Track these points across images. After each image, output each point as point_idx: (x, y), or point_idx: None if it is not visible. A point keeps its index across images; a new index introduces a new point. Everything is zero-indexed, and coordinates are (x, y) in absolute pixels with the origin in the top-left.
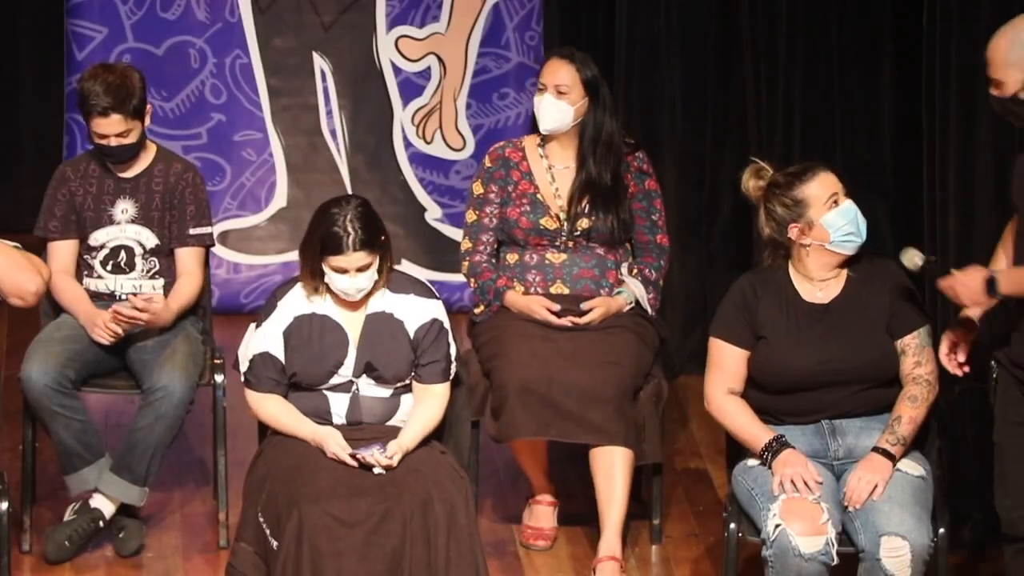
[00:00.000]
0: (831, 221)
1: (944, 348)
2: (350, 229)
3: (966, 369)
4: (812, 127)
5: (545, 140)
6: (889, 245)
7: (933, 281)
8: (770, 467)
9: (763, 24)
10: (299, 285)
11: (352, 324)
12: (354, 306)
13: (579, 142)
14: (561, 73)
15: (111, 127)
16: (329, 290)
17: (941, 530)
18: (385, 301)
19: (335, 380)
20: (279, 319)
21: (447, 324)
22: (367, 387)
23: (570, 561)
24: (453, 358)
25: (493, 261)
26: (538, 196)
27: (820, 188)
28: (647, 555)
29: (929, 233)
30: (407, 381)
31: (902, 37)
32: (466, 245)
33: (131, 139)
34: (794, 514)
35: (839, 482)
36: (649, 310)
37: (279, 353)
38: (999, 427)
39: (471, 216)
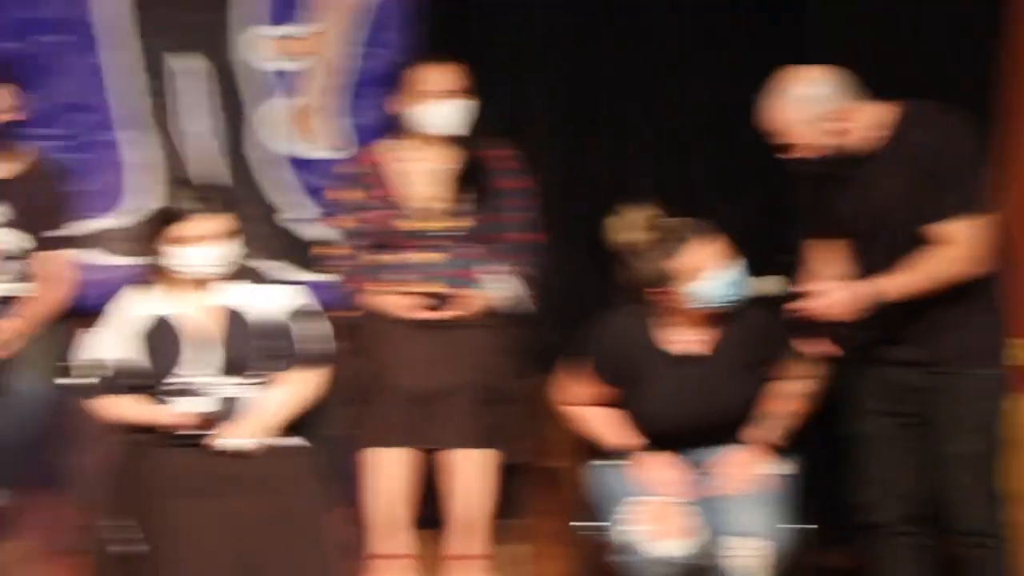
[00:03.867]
0: (699, 290)
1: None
2: (208, 196)
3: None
4: (684, 127)
5: (413, 142)
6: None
7: (797, 306)
8: (632, 472)
9: (635, 22)
10: (151, 286)
11: (212, 321)
12: (213, 301)
13: (454, 141)
14: (450, 75)
15: None
16: (182, 287)
17: (796, 526)
18: (246, 293)
19: (198, 382)
20: (133, 321)
21: (315, 307)
22: (233, 387)
23: (434, 561)
24: (325, 342)
25: (361, 265)
26: (408, 199)
27: (690, 261)
28: (511, 554)
29: (791, 233)
30: (275, 374)
31: (771, 36)
32: (334, 250)
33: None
34: (654, 519)
35: (699, 482)
36: (522, 309)
37: (135, 357)
38: (857, 419)
39: (339, 221)
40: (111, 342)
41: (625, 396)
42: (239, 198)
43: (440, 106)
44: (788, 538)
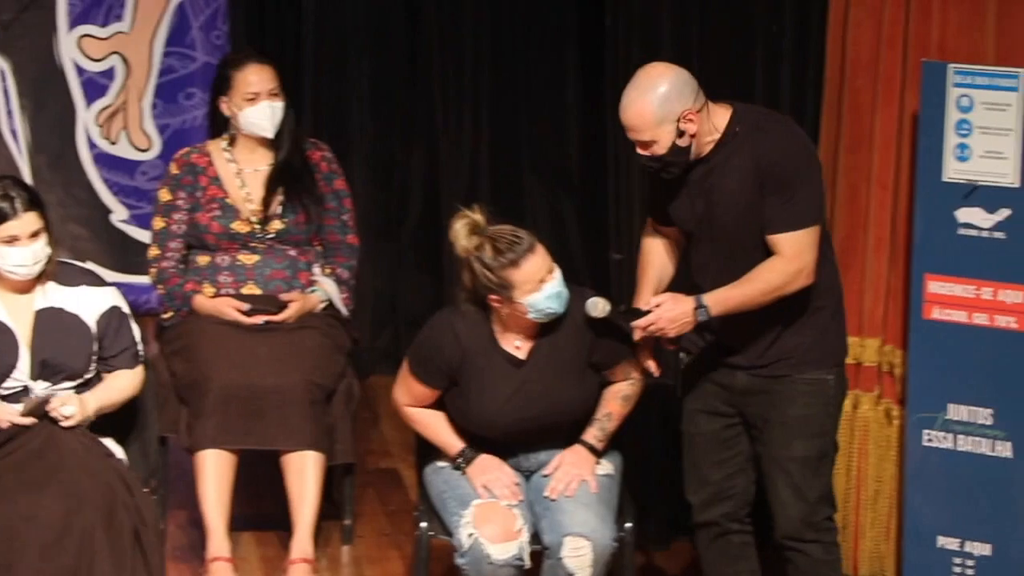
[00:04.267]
0: (533, 302)
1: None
2: (12, 194)
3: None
4: (500, 127)
5: (232, 144)
6: (576, 244)
7: (625, 324)
8: (464, 473)
9: (450, 24)
10: None
11: (21, 323)
12: (21, 304)
13: (271, 143)
14: (270, 76)
15: None
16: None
17: (628, 525)
18: (55, 295)
19: (7, 386)
20: None
21: (126, 309)
22: (45, 390)
23: (261, 563)
24: (139, 342)
25: (181, 267)
26: (228, 200)
27: (528, 274)
28: (338, 556)
29: (614, 230)
30: (89, 376)
31: (586, 36)
32: (154, 252)
33: None
34: (487, 521)
35: (529, 483)
36: (343, 310)
37: None
38: (687, 417)
39: (159, 223)
40: None
41: (459, 397)
42: (63, 200)
43: (257, 107)
44: (618, 538)
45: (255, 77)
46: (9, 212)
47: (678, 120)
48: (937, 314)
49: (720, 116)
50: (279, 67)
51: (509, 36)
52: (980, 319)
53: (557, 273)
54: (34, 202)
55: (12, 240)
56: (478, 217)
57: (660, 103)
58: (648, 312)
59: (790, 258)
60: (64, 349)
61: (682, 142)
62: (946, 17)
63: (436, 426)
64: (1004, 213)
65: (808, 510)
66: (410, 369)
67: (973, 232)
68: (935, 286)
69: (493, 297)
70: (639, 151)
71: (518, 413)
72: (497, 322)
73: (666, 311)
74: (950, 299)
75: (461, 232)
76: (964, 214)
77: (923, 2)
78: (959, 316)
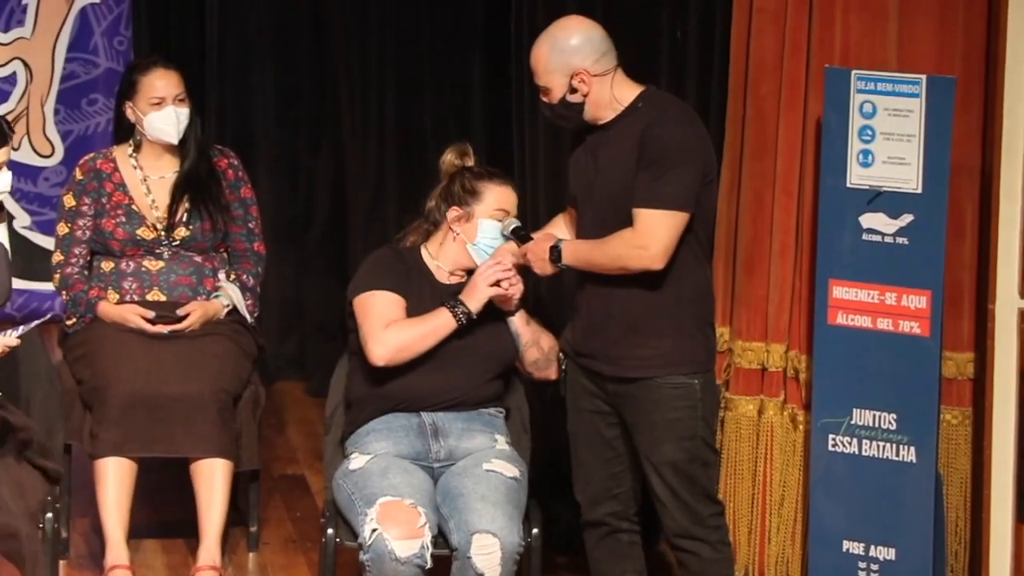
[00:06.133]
0: (486, 227)
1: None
2: None
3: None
4: (406, 131)
5: (138, 150)
6: None
7: (518, 243)
8: (474, 309)
9: (354, 28)
10: None
11: None
12: None
13: (177, 149)
14: (176, 82)
15: None
16: None
17: (535, 530)
18: None
19: None
20: None
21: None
22: None
23: (166, 570)
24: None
25: (85, 273)
26: (133, 207)
27: (499, 196)
28: (244, 562)
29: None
30: None
31: (492, 40)
32: (58, 257)
33: None
34: (391, 518)
35: (436, 485)
36: (248, 317)
37: None
38: (571, 417)
39: (63, 228)
40: None
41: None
42: None
43: (162, 112)
44: (525, 542)
45: (161, 82)
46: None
47: (571, 76)
48: (842, 319)
49: (627, 91)
50: (183, 73)
51: (414, 40)
52: (884, 324)
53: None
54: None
55: None
56: (468, 149)
57: (557, 53)
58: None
59: (639, 232)
60: None
61: (573, 98)
62: (849, 24)
63: (415, 323)
64: (907, 219)
65: (687, 512)
66: (368, 289)
67: (877, 238)
68: (839, 291)
69: (456, 210)
70: (541, 97)
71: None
72: (433, 254)
73: (535, 244)
74: (854, 304)
75: (451, 153)
76: (868, 220)
77: (826, 9)
78: (863, 321)
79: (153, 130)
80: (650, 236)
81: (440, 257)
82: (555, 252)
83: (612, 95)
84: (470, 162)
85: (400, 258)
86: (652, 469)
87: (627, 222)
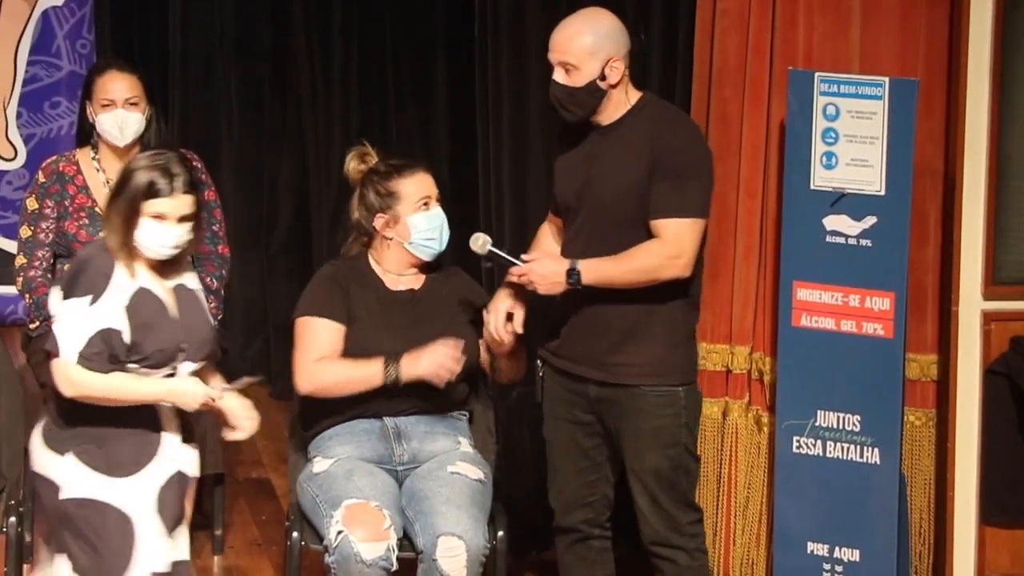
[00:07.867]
0: (416, 223)
1: (498, 321)
2: (176, 171)
3: (519, 331)
4: (369, 134)
5: (99, 152)
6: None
7: (499, 266)
8: (403, 377)
9: (318, 32)
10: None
11: (169, 299)
12: (167, 278)
13: (138, 151)
14: (129, 86)
15: None
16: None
17: (500, 533)
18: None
19: (175, 363)
20: (116, 292)
21: None
22: (185, 366)
23: None
24: None
25: (49, 276)
26: (96, 209)
27: (415, 187)
28: (209, 566)
29: None
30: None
31: (455, 49)
32: (20, 261)
33: None
34: (356, 521)
35: (401, 488)
36: (211, 320)
37: (124, 330)
38: (547, 424)
39: (26, 232)
40: (96, 316)
41: (351, 335)
42: None
43: (110, 114)
44: (490, 545)
45: (113, 84)
46: (165, 190)
47: (606, 62)
48: (805, 321)
49: (633, 93)
50: (146, 77)
51: (378, 44)
52: (848, 326)
53: (440, 210)
54: (194, 185)
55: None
56: (368, 149)
57: (599, 35)
58: (525, 263)
59: (670, 243)
60: (197, 327)
61: (601, 84)
62: (812, 26)
63: (347, 366)
64: (870, 221)
65: (668, 519)
66: (307, 314)
67: (840, 240)
68: (803, 293)
69: (380, 217)
70: (555, 77)
71: (409, 341)
72: (378, 260)
73: (540, 267)
74: (818, 306)
75: (353, 160)
76: (831, 222)
77: (789, 11)
78: (827, 323)
79: (102, 131)
80: (680, 244)
81: (384, 263)
82: (573, 275)
83: (626, 93)
84: (373, 160)
85: (347, 273)
86: (634, 476)
87: (627, 228)
